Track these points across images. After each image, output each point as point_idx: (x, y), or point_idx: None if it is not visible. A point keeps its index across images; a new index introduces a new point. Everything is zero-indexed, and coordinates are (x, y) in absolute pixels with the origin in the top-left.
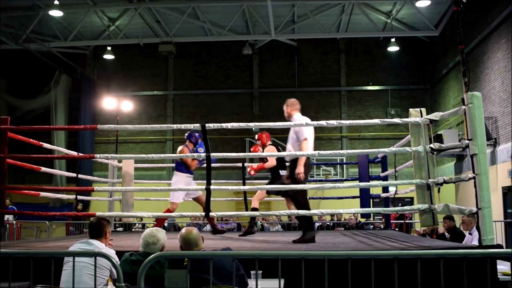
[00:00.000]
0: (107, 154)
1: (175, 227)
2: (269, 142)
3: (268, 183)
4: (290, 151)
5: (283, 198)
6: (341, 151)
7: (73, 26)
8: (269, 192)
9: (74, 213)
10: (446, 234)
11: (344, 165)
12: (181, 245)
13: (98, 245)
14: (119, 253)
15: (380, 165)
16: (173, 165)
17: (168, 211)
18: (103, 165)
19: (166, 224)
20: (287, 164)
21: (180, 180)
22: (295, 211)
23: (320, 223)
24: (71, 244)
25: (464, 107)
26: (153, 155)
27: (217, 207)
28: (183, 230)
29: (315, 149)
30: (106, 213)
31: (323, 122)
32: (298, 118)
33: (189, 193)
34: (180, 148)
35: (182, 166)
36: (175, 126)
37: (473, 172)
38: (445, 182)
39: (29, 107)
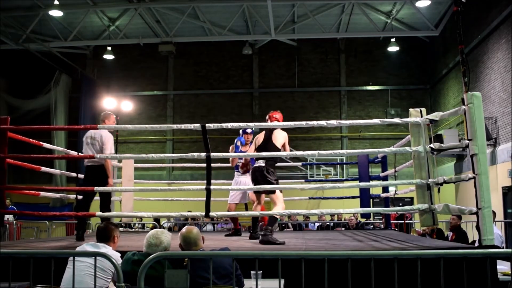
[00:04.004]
0: (107, 154)
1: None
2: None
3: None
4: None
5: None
6: (341, 151)
7: (73, 26)
8: (259, 192)
9: (74, 213)
10: (450, 233)
11: (344, 165)
12: (181, 244)
13: (104, 248)
14: (120, 253)
15: (380, 165)
16: (173, 165)
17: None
18: None
19: (167, 225)
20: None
21: (234, 180)
22: (295, 211)
23: (320, 223)
24: (71, 244)
25: (464, 107)
26: (153, 155)
27: (217, 207)
28: (184, 229)
29: (314, 149)
30: (106, 213)
31: (323, 122)
32: (104, 132)
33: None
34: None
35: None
36: (175, 126)
37: (473, 172)
38: (445, 182)
39: (29, 107)
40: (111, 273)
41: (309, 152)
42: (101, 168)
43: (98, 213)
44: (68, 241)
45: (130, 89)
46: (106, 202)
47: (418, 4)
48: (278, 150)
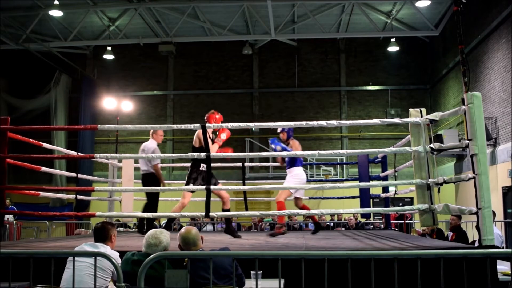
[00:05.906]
0: (107, 154)
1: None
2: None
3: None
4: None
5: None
6: (341, 151)
7: (73, 26)
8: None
9: (74, 213)
10: (450, 233)
11: (344, 165)
12: (180, 244)
13: (102, 248)
14: (120, 253)
15: (380, 165)
16: (173, 165)
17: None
18: (103, 165)
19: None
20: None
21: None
22: (296, 211)
23: (320, 223)
24: (71, 244)
25: (464, 107)
26: (153, 155)
27: (217, 207)
28: (183, 230)
29: (314, 149)
30: (106, 213)
31: (323, 122)
32: (151, 144)
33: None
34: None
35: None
36: (175, 126)
37: (473, 172)
38: (445, 182)
39: (29, 107)
40: (111, 272)
41: (309, 152)
42: (151, 176)
43: (98, 213)
44: (68, 241)
45: (130, 89)
46: (153, 203)
47: (418, 4)
48: (197, 150)
